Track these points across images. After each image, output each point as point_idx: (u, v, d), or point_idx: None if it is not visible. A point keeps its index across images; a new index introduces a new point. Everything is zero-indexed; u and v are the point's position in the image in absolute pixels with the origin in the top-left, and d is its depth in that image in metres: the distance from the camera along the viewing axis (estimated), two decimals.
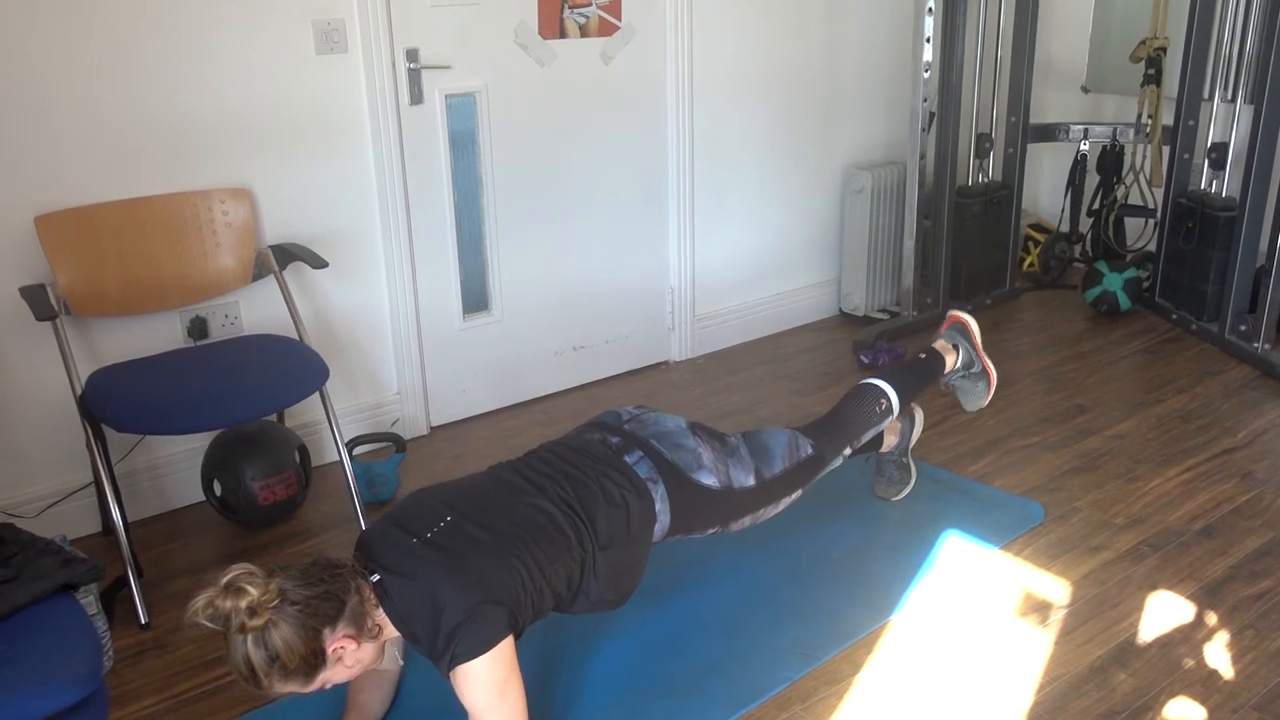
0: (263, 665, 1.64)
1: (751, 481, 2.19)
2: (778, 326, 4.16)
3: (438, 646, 1.76)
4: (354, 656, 1.75)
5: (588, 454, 2.09)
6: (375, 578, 1.80)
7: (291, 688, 1.70)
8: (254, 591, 1.64)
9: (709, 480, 2.13)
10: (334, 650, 1.71)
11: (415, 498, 1.99)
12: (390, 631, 1.81)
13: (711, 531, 2.20)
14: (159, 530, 2.79)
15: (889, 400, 2.48)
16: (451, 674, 1.77)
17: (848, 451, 2.41)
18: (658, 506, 2.06)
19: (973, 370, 2.69)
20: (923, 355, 2.67)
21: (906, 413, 2.73)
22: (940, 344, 2.70)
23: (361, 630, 1.75)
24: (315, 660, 1.69)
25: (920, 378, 2.63)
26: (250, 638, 1.63)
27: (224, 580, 1.65)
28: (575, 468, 2.05)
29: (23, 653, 1.66)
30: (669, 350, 3.88)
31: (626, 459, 2.08)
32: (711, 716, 2.05)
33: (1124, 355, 3.80)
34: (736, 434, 2.27)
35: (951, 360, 2.67)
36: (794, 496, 2.29)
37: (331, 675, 1.74)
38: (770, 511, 2.26)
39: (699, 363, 3.87)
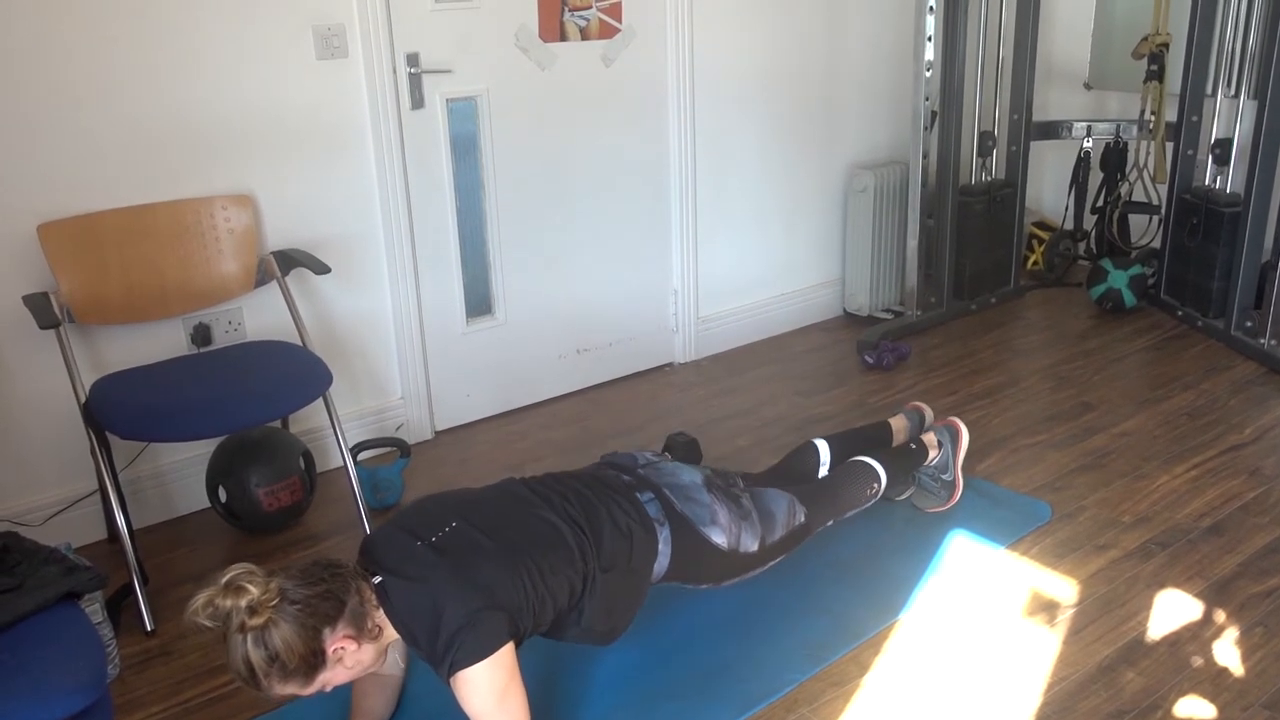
0: (262, 665, 1.64)
1: (755, 548, 2.22)
2: (782, 327, 4.15)
3: (438, 651, 1.76)
4: (354, 657, 1.75)
5: (600, 481, 2.12)
6: (377, 579, 1.80)
7: (291, 688, 1.70)
8: (254, 590, 1.64)
9: (719, 539, 2.15)
10: (334, 650, 1.71)
11: (421, 503, 1.99)
12: (391, 634, 1.81)
13: (704, 587, 2.22)
14: (164, 537, 2.79)
15: (880, 485, 2.52)
16: (451, 679, 1.76)
17: (830, 523, 2.43)
18: (660, 547, 2.07)
19: (944, 477, 2.72)
20: (913, 446, 2.71)
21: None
22: (929, 438, 2.73)
23: (362, 631, 1.75)
24: (315, 660, 1.69)
25: (908, 467, 2.68)
26: (250, 637, 1.63)
27: (224, 579, 1.66)
28: (587, 489, 2.08)
29: (27, 661, 1.66)
30: (673, 352, 3.88)
31: (638, 495, 2.11)
32: (718, 719, 2.04)
33: (1130, 353, 3.79)
34: (746, 493, 2.27)
35: (933, 455, 2.71)
36: (778, 560, 2.31)
37: (331, 677, 1.74)
38: (756, 572, 2.27)
39: (703, 364, 3.87)
